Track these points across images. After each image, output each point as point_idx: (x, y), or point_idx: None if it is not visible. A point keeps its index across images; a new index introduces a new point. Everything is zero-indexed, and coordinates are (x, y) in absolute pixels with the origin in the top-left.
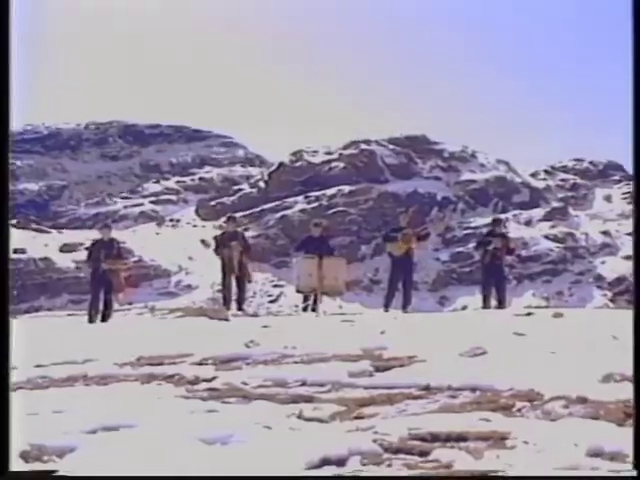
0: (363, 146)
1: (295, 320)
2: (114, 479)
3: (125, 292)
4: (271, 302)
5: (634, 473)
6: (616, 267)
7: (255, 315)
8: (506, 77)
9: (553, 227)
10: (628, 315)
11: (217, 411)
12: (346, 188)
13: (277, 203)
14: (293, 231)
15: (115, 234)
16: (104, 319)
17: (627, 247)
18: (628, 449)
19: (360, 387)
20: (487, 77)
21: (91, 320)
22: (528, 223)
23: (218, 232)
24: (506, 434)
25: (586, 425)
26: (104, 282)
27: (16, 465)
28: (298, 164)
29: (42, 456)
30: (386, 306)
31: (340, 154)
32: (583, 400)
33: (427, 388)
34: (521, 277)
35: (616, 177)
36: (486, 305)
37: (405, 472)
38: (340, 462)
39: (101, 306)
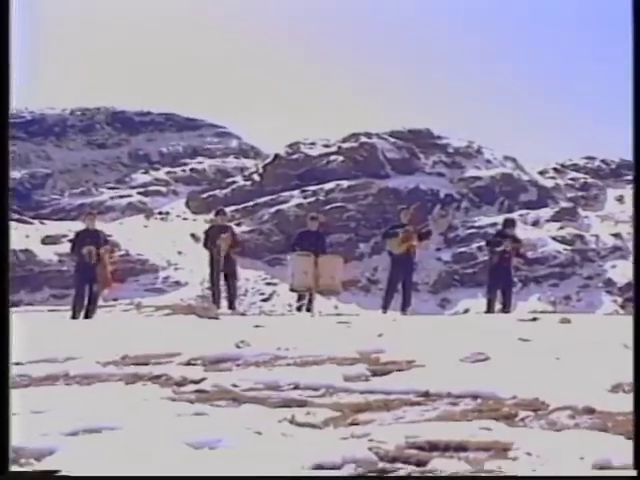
0: (363, 139)
1: (289, 320)
2: (114, 479)
3: (111, 287)
4: (263, 301)
5: (634, 473)
6: (627, 271)
7: (246, 314)
8: (515, 71)
9: (561, 228)
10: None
11: (205, 414)
12: (345, 183)
13: (272, 197)
14: (288, 227)
15: (101, 226)
16: (88, 315)
17: None
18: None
19: (356, 392)
20: (495, 70)
21: (74, 316)
22: (535, 223)
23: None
24: (508, 445)
25: (593, 437)
26: (89, 276)
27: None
28: (295, 156)
29: (19, 459)
30: (384, 307)
31: (339, 147)
32: (590, 411)
33: (426, 394)
34: (527, 280)
35: (629, 177)
36: (490, 309)
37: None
38: (334, 470)
39: (85, 301)
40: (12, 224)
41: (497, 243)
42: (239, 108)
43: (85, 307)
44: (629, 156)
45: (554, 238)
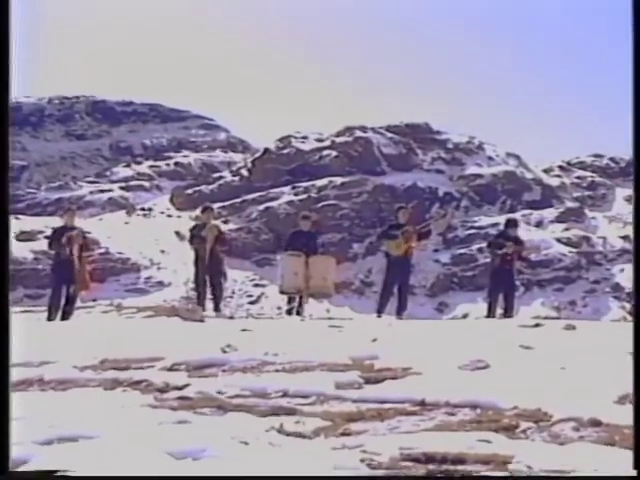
0: (358, 133)
1: (278, 324)
2: (114, 479)
3: (89, 287)
4: (251, 303)
5: (634, 473)
6: None
7: (233, 317)
8: (519, 63)
9: (567, 229)
10: None
11: (189, 422)
12: (338, 179)
13: (261, 194)
14: (278, 225)
15: (80, 222)
16: (65, 317)
17: None
18: None
19: (348, 400)
20: (498, 63)
21: (50, 317)
22: (539, 224)
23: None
24: (509, 458)
25: (599, 451)
26: (66, 275)
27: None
28: (285, 151)
29: None
30: (379, 311)
31: (332, 141)
32: (596, 423)
33: (422, 404)
34: (529, 284)
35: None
36: (490, 313)
37: None
38: None
39: (62, 302)
40: None
41: (499, 245)
42: (227, 99)
43: (62, 308)
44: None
45: (559, 240)
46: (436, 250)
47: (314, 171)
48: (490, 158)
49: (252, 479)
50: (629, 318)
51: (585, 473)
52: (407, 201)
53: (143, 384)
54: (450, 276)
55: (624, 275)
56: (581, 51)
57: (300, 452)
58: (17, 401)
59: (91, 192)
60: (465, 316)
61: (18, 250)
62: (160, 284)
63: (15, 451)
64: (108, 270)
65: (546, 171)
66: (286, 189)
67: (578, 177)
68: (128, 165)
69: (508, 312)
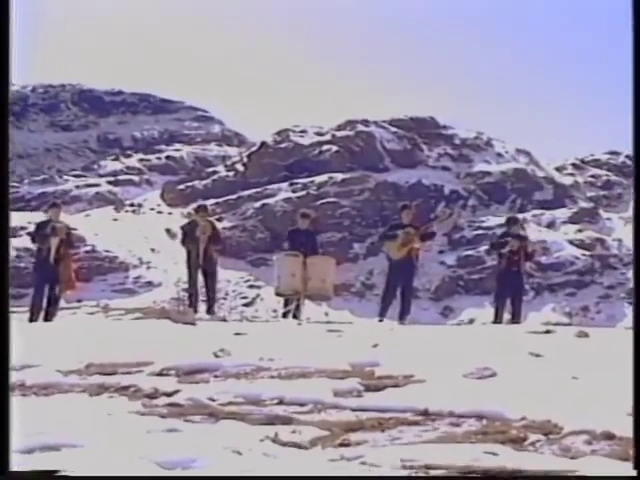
0: (360, 127)
1: (273, 327)
2: (115, 479)
3: (74, 287)
4: (246, 305)
5: (634, 473)
6: None
7: (226, 320)
8: (531, 56)
9: (580, 231)
10: None
11: (179, 431)
12: (339, 176)
13: (257, 190)
14: (274, 223)
15: (65, 218)
16: (48, 318)
17: None
18: None
19: (347, 409)
20: (509, 55)
21: (32, 318)
22: (551, 225)
23: (186, 221)
24: (516, 471)
25: (612, 466)
26: (50, 274)
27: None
28: (283, 145)
29: None
30: (381, 315)
31: (333, 135)
32: (609, 436)
33: (425, 413)
34: (540, 288)
35: None
36: (498, 319)
37: None
38: None
39: (45, 302)
40: None
41: (502, 244)
42: (222, 90)
43: (45, 309)
44: None
45: (571, 242)
46: (441, 251)
47: (313, 167)
48: (499, 155)
49: (252, 479)
50: None
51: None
52: (411, 199)
53: (131, 390)
54: (456, 279)
55: None
56: (599, 43)
57: (296, 463)
58: None
59: (77, 186)
60: (471, 321)
61: None
62: (149, 284)
63: None
64: (94, 269)
65: (559, 169)
66: (283, 185)
67: (592, 176)
68: (117, 158)
69: (516, 317)
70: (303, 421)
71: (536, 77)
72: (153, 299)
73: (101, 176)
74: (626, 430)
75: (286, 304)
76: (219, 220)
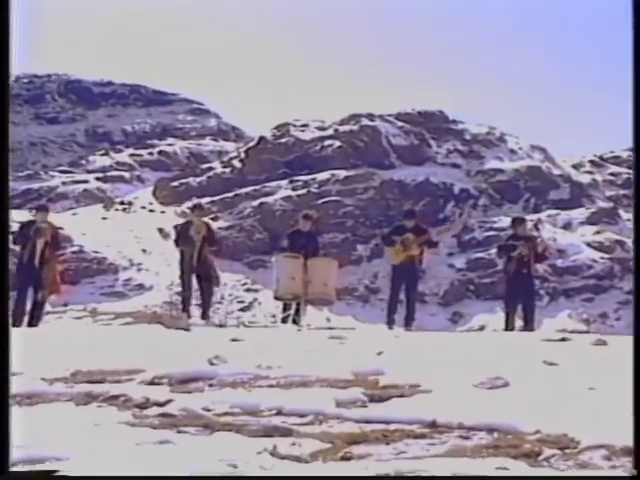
0: (365, 121)
1: (272, 333)
2: (115, 479)
3: (60, 291)
4: (243, 310)
5: (634, 473)
6: None
7: (222, 325)
8: (546, 47)
9: (598, 233)
10: None
11: (171, 443)
12: (341, 173)
13: (255, 188)
14: (273, 223)
15: (51, 217)
16: (32, 323)
17: None
18: None
19: (350, 420)
20: (522, 46)
21: (15, 323)
22: (567, 226)
23: (180, 220)
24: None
25: None
26: (33, 277)
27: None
28: (283, 140)
29: None
30: (389, 323)
31: (336, 130)
32: (630, 452)
33: (433, 425)
34: (555, 293)
35: None
36: (509, 325)
37: None
38: None
39: (28, 306)
40: None
41: (511, 247)
42: (219, 81)
43: (29, 313)
44: None
45: (589, 244)
46: (450, 254)
47: (315, 163)
48: (512, 151)
49: (252, 479)
50: None
51: None
52: (418, 198)
53: (120, 399)
54: (465, 283)
55: None
56: (623, 33)
57: (295, 477)
58: None
59: (64, 183)
60: (482, 328)
61: None
62: (141, 287)
63: None
64: (82, 271)
65: (576, 166)
66: (283, 183)
67: (612, 174)
68: (106, 153)
69: (528, 324)
70: (303, 433)
71: (552, 69)
72: (144, 303)
73: (89, 172)
74: None
75: (285, 309)
76: (214, 220)
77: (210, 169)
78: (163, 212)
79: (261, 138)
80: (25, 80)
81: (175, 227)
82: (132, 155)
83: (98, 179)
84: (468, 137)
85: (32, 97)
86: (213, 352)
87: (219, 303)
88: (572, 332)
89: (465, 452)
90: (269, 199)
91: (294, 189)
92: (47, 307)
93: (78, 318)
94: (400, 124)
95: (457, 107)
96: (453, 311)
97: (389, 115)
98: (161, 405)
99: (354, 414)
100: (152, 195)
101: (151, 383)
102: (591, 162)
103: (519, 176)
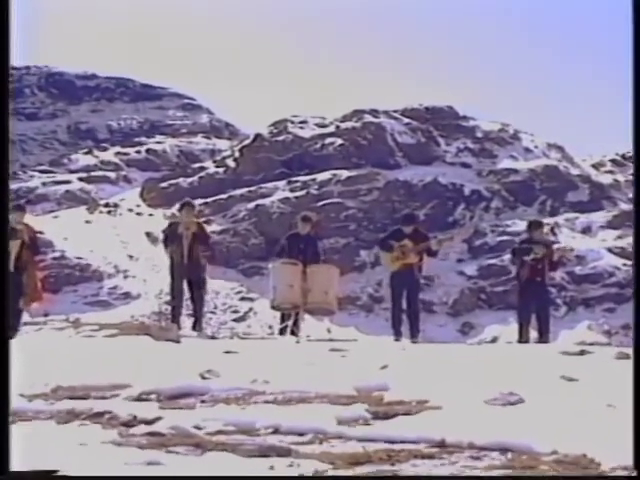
0: (368, 118)
1: (268, 346)
2: (115, 479)
3: (41, 300)
4: (237, 320)
5: (634, 473)
6: None
7: (215, 337)
8: (563, 38)
9: (620, 237)
10: None
11: (160, 464)
12: (343, 173)
13: (250, 189)
14: (270, 226)
15: (30, 220)
16: (9, 335)
17: None
18: None
19: (352, 439)
20: (537, 37)
21: None
22: (586, 231)
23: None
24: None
25: None
26: (11, 285)
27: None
28: (280, 138)
29: None
30: (396, 334)
31: (337, 127)
32: None
33: (442, 445)
34: (574, 302)
35: None
36: (522, 337)
37: None
38: None
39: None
40: None
41: (524, 251)
42: (211, 75)
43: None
44: None
45: (610, 250)
46: (460, 260)
47: (314, 163)
48: (527, 150)
49: (252, 479)
50: None
51: None
52: (426, 200)
53: (105, 417)
54: (477, 291)
55: None
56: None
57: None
58: None
59: (44, 183)
60: (494, 340)
61: None
62: (127, 296)
63: None
64: (64, 278)
65: (596, 166)
66: (280, 184)
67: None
68: (90, 152)
69: (543, 335)
70: (302, 453)
71: (570, 61)
72: (131, 313)
73: (72, 172)
74: None
75: (283, 319)
76: (207, 223)
77: (202, 169)
78: (151, 215)
79: (257, 135)
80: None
81: (164, 230)
82: (118, 154)
83: (81, 179)
84: (479, 134)
85: (10, 91)
86: (205, 366)
87: (212, 313)
88: (592, 344)
89: (476, 473)
90: (265, 201)
91: (292, 190)
92: (26, 317)
93: (59, 329)
94: (406, 121)
95: (468, 102)
96: (463, 322)
97: (394, 111)
98: (149, 423)
99: (357, 433)
100: (139, 197)
101: (138, 399)
102: (612, 161)
103: (534, 176)
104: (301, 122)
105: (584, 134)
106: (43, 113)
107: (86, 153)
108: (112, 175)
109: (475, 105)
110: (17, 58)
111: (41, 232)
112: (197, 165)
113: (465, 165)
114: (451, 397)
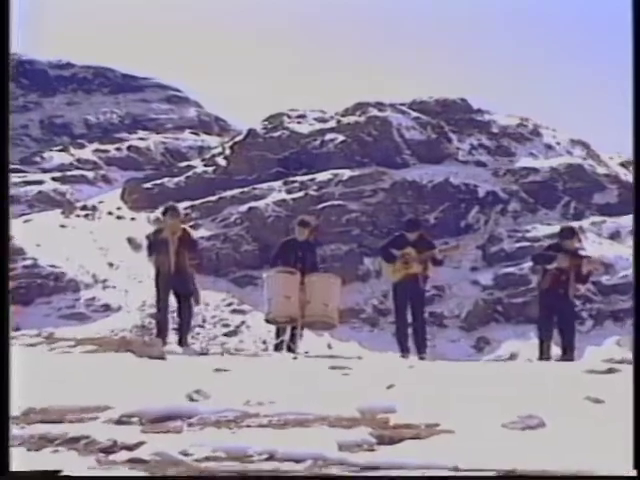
0: (373, 112)
1: (263, 363)
2: (115, 479)
3: (11, 312)
4: (228, 335)
5: (634, 473)
6: None
7: (204, 353)
8: (585, 24)
9: None
10: None
11: None
12: (345, 173)
13: (243, 190)
14: (264, 232)
15: None
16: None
17: None
18: None
19: (355, 466)
20: (559, 24)
21: None
22: (614, 236)
23: (154, 228)
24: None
25: None
26: None
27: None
28: (276, 134)
29: None
30: (403, 351)
31: (338, 122)
32: None
33: (454, 472)
34: (600, 316)
35: None
36: (544, 354)
37: None
38: None
39: None
40: None
41: (548, 259)
42: (199, 64)
43: None
44: None
45: None
46: (474, 268)
47: (313, 161)
48: (549, 146)
49: (253, 479)
50: None
51: None
52: (436, 203)
53: (82, 442)
54: (493, 303)
55: None
56: None
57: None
58: None
59: (15, 184)
60: (512, 357)
61: None
62: (106, 308)
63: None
64: (36, 289)
65: (624, 164)
66: (276, 184)
67: None
68: (65, 149)
69: (567, 352)
70: None
71: (595, 50)
72: (111, 327)
73: (45, 171)
74: None
75: (278, 334)
76: (194, 228)
77: (189, 168)
78: (133, 219)
79: (250, 131)
80: None
81: (148, 236)
82: (96, 151)
83: (55, 179)
84: (495, 130)
85: None
86: (193, 385)
87: (200, 327)
88: (621, 362)
89: None
90: (259, 203)
91: (289, 192)
92: None
93: (31, 345)
94: (415, 115)
95: (482, 94)
96: (478, 337)
97: (402, 104)
98: (131, 449)
99: (360, 459)
100: (120, 199)
101: (119, 422)
102: None
103: (557, 176)
104: (299, 116)
105: (611, 129)
106: (13, 106)
107: (61, 150)
108: (90, 175)
109: (491, 97)
110: None
111: (10, 237)
112: (184, 164)
113: (480, 164)
114: (464, 420)
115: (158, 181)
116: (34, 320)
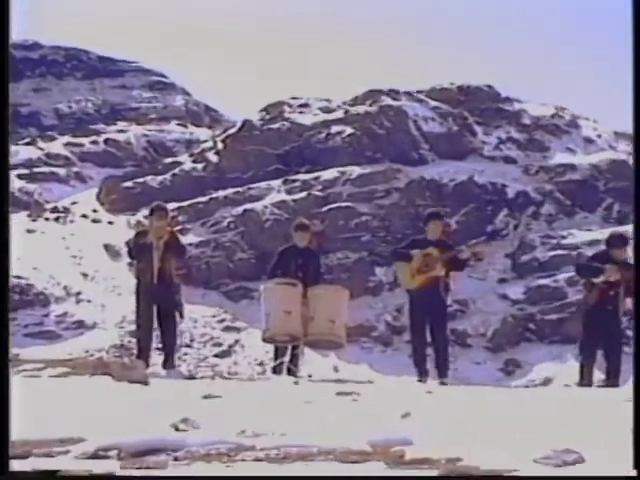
0: (386, 100)
1: (259, 388)
2: (115, 479)
3: None
4: (219, 356)
5: (634, 473)
6: None
7: (192, 377)
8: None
9: None
10: None
11: None
12: (354, 170)
13: (237, 190)
14: (262, 238)
15: None
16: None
17: None
18: None
19: None
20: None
21: None
22: None
23: (135, 232)
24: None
25: None
26: None
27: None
28: (275, 126)
29: None
30: (420, 374)
31: (346, 112)
32: None
33: None
34: None
35: None
36: (585, 379)
37: None
38: None
39: None
40: None
41: (595, 270)
42: (187, 47)
43: None
44: None
45: None
46: (502, 280)
47: (317, 157)
48: (588, 140)
49: (253, 479)
50: None
51: None
52: (459, 204)
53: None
54: (524, 320)
55: None
56: None
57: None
58: None
59: None
60: (547, 382)
61: None
62: (80, 325)
63: None
64: None
65: None
66: (275, 184)
67: None
68: (33, 142)
69: (612, 378)
70: None
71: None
72: (85, 347)
73: (10, 168)
74: None
75: (277, 354)
76: (182, 232)
77: (176, 164)
78: (111, 223)
79: (245, 122)
80: None
81: (127, 242)
82: (69, 145)
83: (22, 177)
84: (527, 121)
85: None
86: (180, 414)
87: (188, 347)
88: None
89: None
90: (256, 205)
91: (290, 192)
92: None
93: None
94: (434, 104)
95: (511, 80)
96: (506, 358)
97: (419, 91)
98: None
99: None
100: (96, 199)
101: (94, 457)
102: None
103: (598, 174)
104: (301, 106)
105: None
106: None
107: (28, 144)
108: (61, 172)
109: (521, 84)
110: None
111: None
112: (169, 160)
113: (508, 160)
114: (490, 454)
115: (140, 179)
116: None
